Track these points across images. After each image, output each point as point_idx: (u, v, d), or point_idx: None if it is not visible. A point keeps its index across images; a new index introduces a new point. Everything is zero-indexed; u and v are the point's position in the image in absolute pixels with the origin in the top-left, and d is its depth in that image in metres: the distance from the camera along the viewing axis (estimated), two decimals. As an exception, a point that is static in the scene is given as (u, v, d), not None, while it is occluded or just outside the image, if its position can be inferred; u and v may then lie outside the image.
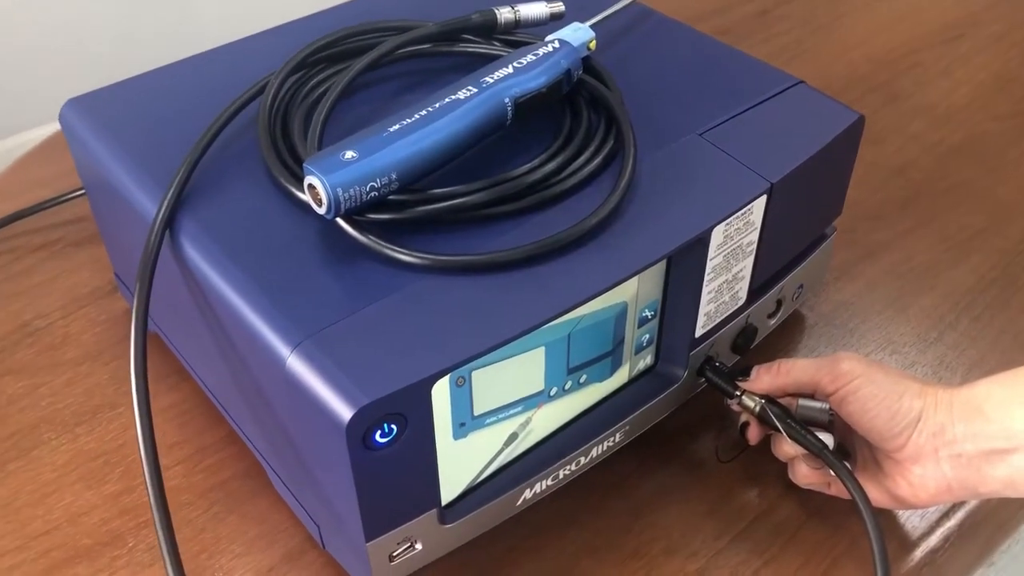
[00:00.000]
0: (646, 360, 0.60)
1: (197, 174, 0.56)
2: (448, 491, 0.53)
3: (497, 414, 0.52)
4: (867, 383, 0.54)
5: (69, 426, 0.64)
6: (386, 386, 0.44)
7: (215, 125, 0.57)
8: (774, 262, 0.62)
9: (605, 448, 0.59)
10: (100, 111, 0.62)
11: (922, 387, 0.54)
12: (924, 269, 0.75)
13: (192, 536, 0.58)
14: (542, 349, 0.52)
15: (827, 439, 0.56)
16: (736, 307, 0.61)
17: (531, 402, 0.54)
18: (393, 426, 0.46)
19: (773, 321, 0.67)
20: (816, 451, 0.56)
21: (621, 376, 0.59)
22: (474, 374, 0.49)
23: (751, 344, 0.64)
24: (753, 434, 0.59)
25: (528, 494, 0.56)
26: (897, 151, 0.87)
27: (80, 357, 0.68)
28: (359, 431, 0.44)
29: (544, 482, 0.56)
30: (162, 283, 0.56)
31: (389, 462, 0.47)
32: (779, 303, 0.66)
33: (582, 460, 0.58)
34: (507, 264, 0.50)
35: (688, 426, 0.64)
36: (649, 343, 0.59)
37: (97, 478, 0.61)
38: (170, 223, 0.53)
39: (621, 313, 0.55)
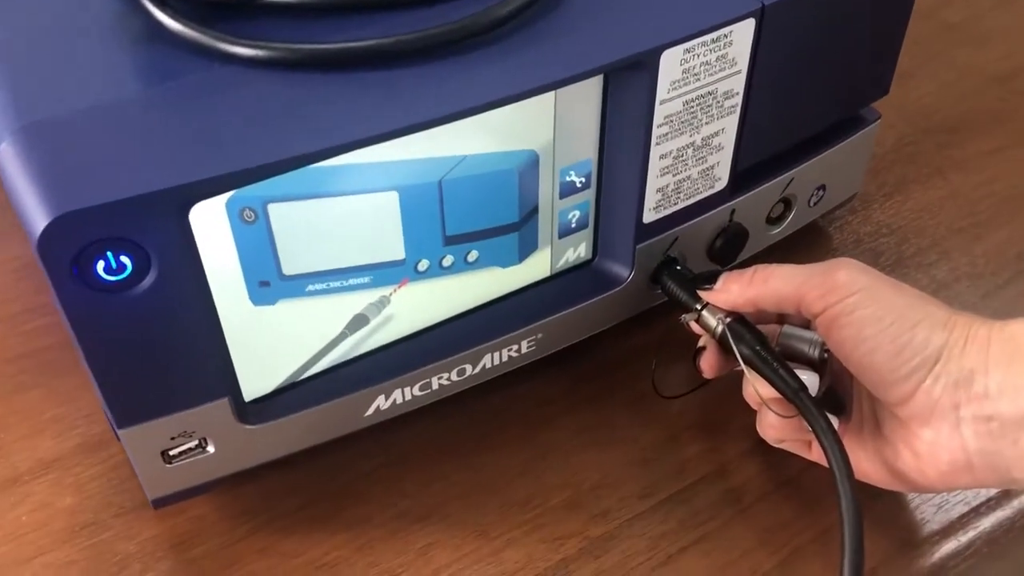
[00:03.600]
0: (578, 250, 0.45)
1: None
2: (255, 379, 0.39)
3: (326, 280, 0.38)
4: (869, 300, 0.38)
5: None
6: (105, 194, 0.31)
7: None
8: (772, 137, 0.45)
9: (505, 359, 0.43)
10: None
11: (949, 316, 0.37)
12: (1007, 197, 0.57)
13: (-19, 407, 0.47)
14: (394, 195, 0.37)
15: (809, 380, 0.40)
16: (711, 192, 0.44)
17: (386, 274, 0.39)
18: (125, 259, 0.32)
19: (777, 230, 0.50)
20: (788, 393, 0.39)
21: (538, 266, 0.44)
22: (271, 208, 0.35)
23: (737, 252, 0.48)
24: (708, 364, 0.42)
25: (383, 403, 0.41)
26: (1004, 57, 0.67)
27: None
28: (64, 253, 0.31)
29: (408, 390, 0.41)
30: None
31: (132, 311, 0.33)
32: (786, 204, 0.49)
33: (468, 369, 0.43)
34: (347, 60, 0.35)
35: (641, 351, 0.48)
36: (581, 225, 0.44)
37: None
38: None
39: (528, 167, 0.40)
